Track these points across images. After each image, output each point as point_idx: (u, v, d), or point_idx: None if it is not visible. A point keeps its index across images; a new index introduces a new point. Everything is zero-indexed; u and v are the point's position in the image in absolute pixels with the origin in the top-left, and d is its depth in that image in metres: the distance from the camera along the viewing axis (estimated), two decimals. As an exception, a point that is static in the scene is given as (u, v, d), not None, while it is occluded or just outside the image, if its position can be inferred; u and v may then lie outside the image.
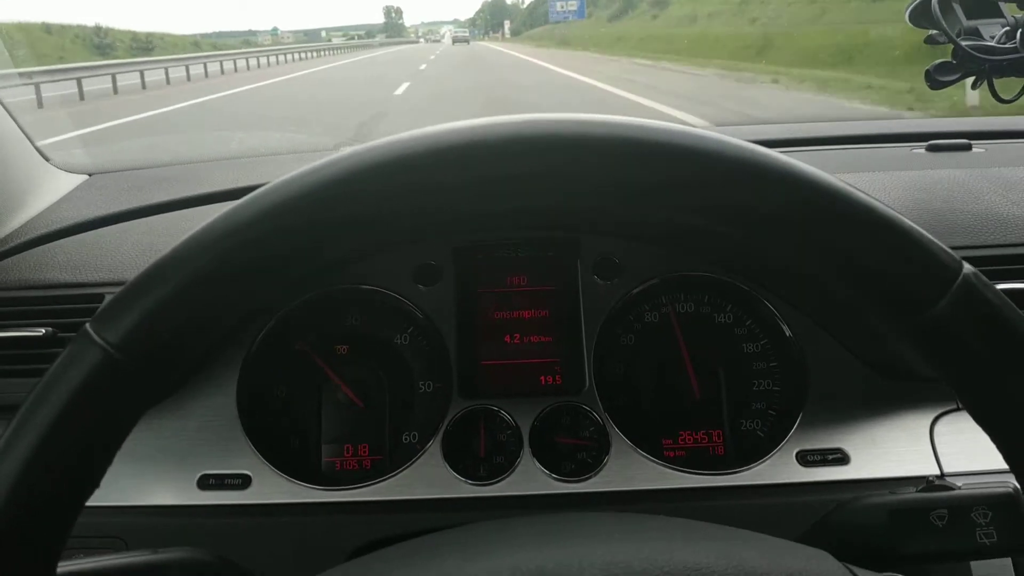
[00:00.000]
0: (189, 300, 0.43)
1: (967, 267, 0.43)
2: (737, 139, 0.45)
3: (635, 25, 38.42)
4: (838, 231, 0.43)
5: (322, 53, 42.41)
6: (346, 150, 0.45)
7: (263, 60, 26.41)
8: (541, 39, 52.73)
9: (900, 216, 0.44)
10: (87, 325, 0.42)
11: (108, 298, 0.43)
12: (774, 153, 0.45)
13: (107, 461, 0.43)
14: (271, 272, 0.44)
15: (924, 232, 0.44)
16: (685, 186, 0.44)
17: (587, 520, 0.48)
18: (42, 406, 0.41)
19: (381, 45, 72.24)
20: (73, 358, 0.42)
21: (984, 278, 0.43)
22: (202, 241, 0.43)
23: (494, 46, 53.89)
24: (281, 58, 29.72)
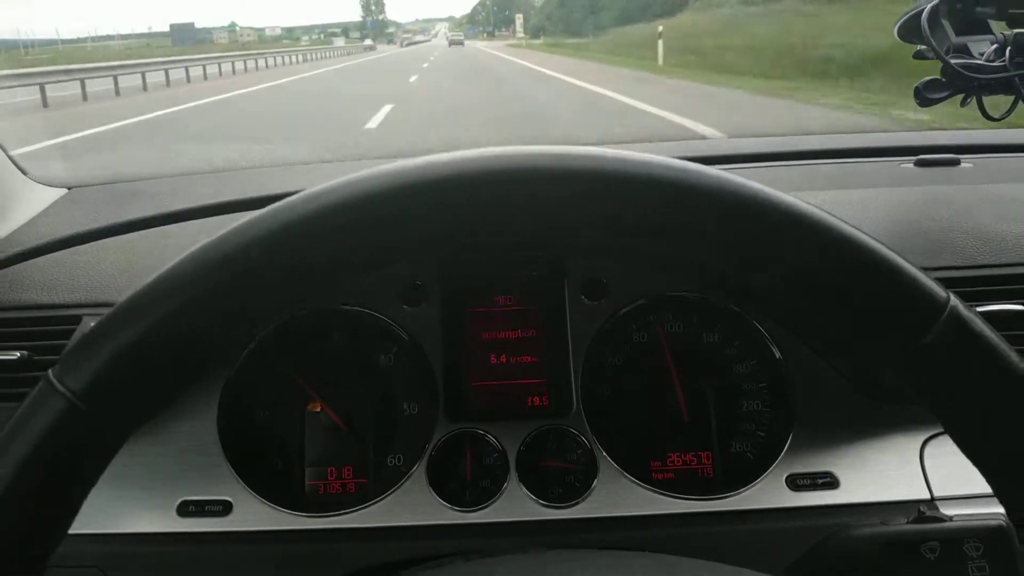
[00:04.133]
0: (156, 344, 0.41)
1: (953, 299, 0.43)
2: (711, 169, 0.44)
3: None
4: (825, 267, 0.43)
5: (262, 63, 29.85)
6: (314, 189, 0.44)
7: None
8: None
9: (887, 249, 0.43)
10: (49, 372, 0.41)
11: (72, 341, 0.42)
12: (759, 187, 0.44)
13: (75, 508, 0.42)
14: (237, 314, 0.43)
15: (910, 265, 0.43)
16: (662, 226, 0.43)
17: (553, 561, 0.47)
18: (4, 457, 0.39)
19: (319, 56, 44.95)
20: (36, 408, 0.40)
21: (971, 310, 0.43)
22: (169, 283, 0.42)
23: (515, 59, 29.98)
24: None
